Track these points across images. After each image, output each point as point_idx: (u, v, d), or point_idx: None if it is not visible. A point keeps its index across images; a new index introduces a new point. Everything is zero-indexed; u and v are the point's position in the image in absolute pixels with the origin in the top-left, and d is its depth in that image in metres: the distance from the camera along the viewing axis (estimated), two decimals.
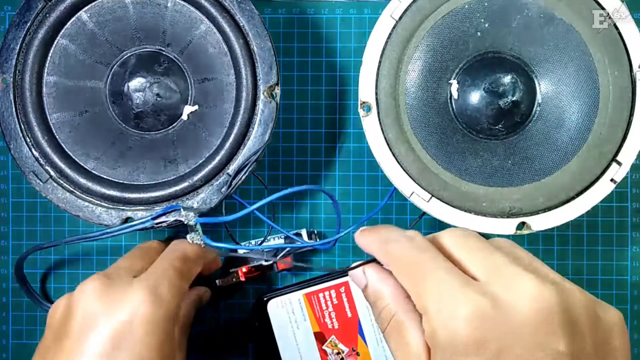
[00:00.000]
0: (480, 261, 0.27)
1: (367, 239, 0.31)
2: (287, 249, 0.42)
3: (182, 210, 0.37)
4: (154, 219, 0.37)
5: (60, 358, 0.30)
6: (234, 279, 0.43)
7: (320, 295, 0.43)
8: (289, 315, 0.43)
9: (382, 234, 0.31)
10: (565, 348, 0.23)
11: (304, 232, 0.43)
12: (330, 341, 0.43)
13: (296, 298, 0.43)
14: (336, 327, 0.42)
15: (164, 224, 0.37)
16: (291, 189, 0.36)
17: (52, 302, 0.44)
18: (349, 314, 0.42)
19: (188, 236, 0.37)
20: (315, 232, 0.44)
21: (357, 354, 0.42)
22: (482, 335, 0.24)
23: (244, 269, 0.43)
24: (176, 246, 0.37)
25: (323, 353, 0.42)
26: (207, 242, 0.36)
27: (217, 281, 0.43)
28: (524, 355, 0.23)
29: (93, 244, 0.45)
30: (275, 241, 0.43)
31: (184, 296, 0.35)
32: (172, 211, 0.37)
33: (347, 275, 0.43)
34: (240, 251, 0.42)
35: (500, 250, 0.27)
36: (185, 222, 0.37)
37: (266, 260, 0.43)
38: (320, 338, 0.42)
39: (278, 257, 0.42)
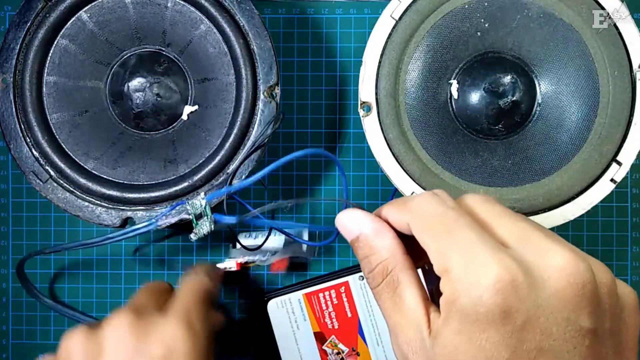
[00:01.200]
0: (508, 226, 0.24)
1: (385, 207, 0.28)
2: (285, 246, 0.42)
3: (187, 203, 0.36)
4: (158, 220, 0.36)
5: None
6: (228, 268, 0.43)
7: (320, 295, 0.43)
8: (289, 315, 0.43)
9: (402, 197, 0.28)
10: (589, 324, 0.22)
11: (305, 232, 0.43)
12: (330, 341, 0.43)
13: (296, 298, 0.43)
14: (336, 327, 0.42)
15: (167, 223, 0.36)
16: (294, 154, 0.34)
17: (53, 300, 0.45)
18: (349, 314, 0.42)
19: (192, 234, 0.36)
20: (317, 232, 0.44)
21: (357, 354, 0.42)
22: (510, 304, 0.22)
23: (240, 261, 0.43)
24: (191, 279, 0.37)
25: (323, 353, 0.42)
26: (217, 219, 0.36)
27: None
28: (549, 328, 0.22)
29: (93, 255, 0.45)
30: (276, 237, 0.43)
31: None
32: (177, 208, 0.36)
33: (347, 275, 0.43)
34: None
35: (524, 218, 0.25)
36: (193, 214, 0.36)
37: (262, 261, 0.42)
38: (320, 338, 0.42)
39: (275, 256, 0.42)
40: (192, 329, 0.31)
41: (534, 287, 0.22)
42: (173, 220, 0.36)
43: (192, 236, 0.36)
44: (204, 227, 0.35)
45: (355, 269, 0.43)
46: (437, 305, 0.24)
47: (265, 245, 0.42)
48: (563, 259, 0.23)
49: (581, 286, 0.22)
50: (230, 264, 0.43)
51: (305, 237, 0.43)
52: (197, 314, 0.33)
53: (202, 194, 0.36)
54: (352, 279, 0.43)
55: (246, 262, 0.43)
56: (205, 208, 0.35)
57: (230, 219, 0.35)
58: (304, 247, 0.43)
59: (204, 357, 0.31)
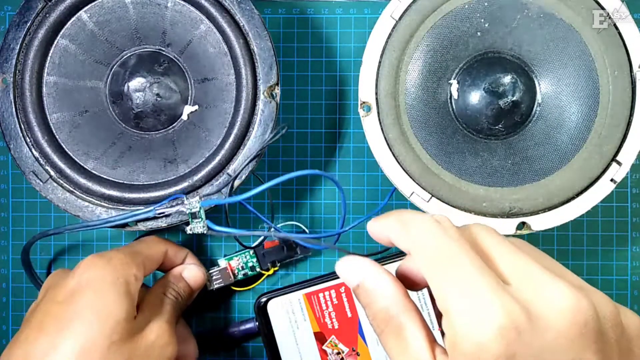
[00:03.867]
0: (510, 262, 0.24)
1: (384, 221, 0.27)
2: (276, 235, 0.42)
3: (185, 198, 0.37)
4: (156, 208, 0.37)
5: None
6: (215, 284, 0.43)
7: (320, 295, 0.43)
8: (289, 316, 0.42)
9: (404, 216, 0.26)
10: None
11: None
12: (330, 341, 0.43)
13: (296, 298, 0.42)
14: (336, 327, 0.42)
15: (166, 214, 0.37)
16: (300, 172, 0.35)
17: None
18: (349, 314, 0.42)
19: (188, 227, 0.37)
20: (307, 230, 0.44)
21: (357, 354, 0.42)
22: (514, 350, 0.22)
23: (233, 264, 0.43)
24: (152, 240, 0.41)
25: (323, 353, 0.42)
26: (210, 227, 0.36)
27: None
28: None
29: (93, 240, 0.45)
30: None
31: (144, 269, 0.38)
32: (175, 201, 0.37)
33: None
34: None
35: (527, 252, 0.25)
36: (189, 211, 0.36)
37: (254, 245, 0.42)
38: (321, 338, 0.42)
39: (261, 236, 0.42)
40: (106, 260, 0.35)
41: (538, 330, 0.22)
42: (171, 210, 0.36)
43: (188, 230, 0.37)
44: (198, 228, 0.36)
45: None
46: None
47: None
48: (564, 297, 0.23)
49: (584, 324, 0.22)
50: (222, 264, 0.43)
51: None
52: (120, 253, 0.36)
53: (198, 197, 0.37)
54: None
55: (243, 267, 0.43)
56: (200, 212, 0.36)
57: (222, 230, 0.35)
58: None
59: (117, 284, 0.34)
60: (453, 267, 0.24)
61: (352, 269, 0.28)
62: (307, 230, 0.42)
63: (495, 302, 0.22)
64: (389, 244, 0.27)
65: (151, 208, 0.37)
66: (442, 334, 0.24)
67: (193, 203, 0.36)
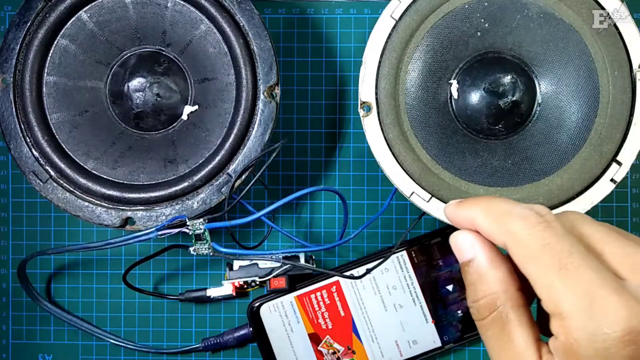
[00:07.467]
0: (621, 254, 0.22)
1: (469, 209, 0.25)
2: (286, 266, 0.41)
3: (187, 220, 0.36)
4: (158, 230, 0.36)
5: None
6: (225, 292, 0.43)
7: (312, 296, 0.43)
8: (282, 319, 0.42)
9: (497, 206, 0.24)
10: None
11: (302, 257, 0.42)
12: (325, 341, 0.42)
13: (288, 301, 0.42)
14: (330, 327, 0.42)
15: (167, 234, 0.36)
16: (307, 189, 0.35)
17: (52, 302, 0.45)
18: (342, 313, 0.42)
19: (191, 248, 0.37)
20: (314, 257, 0.43)
21: (353, 352, 0.42)
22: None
23: (236, 284, 0.42)
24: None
25: (319, 354, 0.42)
26: (216, 249, 0.36)
27: (207, 291, 0.43)
28: None
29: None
30: (271, 263, 0.42)
31: None
32: (178, 222, 0.36)
33: (338, 274, 0.42)
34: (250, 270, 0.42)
35: (634, 241, 0.23)
36: (192, 233, 0.36)
37: (260, 277, 0.42)
38: (315, 339, 0.42)
39: (272, 274, 0.41)
40: None
41: None
42: (173, 232, 0.36)
43: (192, 250, 0.36)
44: (203, 250, 0.36)
45: (344, 267, 0.43)
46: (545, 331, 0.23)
47: (262, 263, 0.42)
48: None
49: None
50: (225, 289, 0.43)
51: (302, 260, 0.42)
52: None
53: (202, 219, 0.36)
54: (343, 278, 0.42)
55: (245, 283, 0.42)
56: (205, 234, 0.36)
57: (229, 252, 0.35)
58: (302, 260, 0.42)
59: None
60: (564, 267, 0.21)
61: (469, 243, 0.25)
62: (313, 261, 0.42)
63: (617, 303, 0.20)
64: (470, 228, 0.25)
65: (153, 229, 0.36)
66: (547, 334, 0.23)
67: (196, 226, 0.36)
